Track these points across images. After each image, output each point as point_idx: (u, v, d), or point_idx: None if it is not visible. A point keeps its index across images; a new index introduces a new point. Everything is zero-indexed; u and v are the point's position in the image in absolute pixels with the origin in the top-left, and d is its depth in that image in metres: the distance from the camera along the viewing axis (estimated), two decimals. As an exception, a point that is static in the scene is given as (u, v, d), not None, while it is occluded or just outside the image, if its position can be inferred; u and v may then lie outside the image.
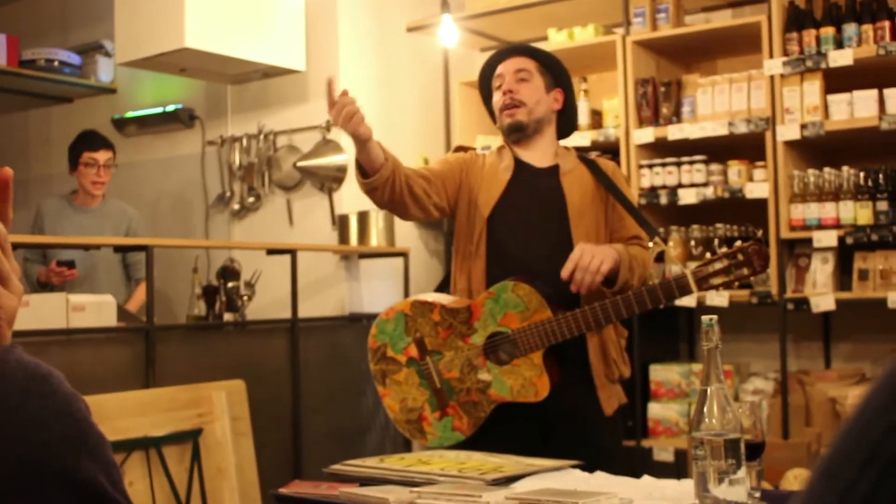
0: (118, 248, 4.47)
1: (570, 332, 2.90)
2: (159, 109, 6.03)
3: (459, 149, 3.36)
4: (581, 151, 3.37)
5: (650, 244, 3.03)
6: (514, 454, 2.59)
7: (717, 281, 2.81)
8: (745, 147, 4.58)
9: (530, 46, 3.30)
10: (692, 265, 3.03)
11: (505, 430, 2.99)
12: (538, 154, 3.18)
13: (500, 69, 3.20)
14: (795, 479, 3.82)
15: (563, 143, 3.30)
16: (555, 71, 3.22)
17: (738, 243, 2.84)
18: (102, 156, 5.10)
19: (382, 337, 3.15)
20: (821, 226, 4.27)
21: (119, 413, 3.61)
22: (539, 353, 2.93)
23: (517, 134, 3.16)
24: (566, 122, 3.29)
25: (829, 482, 0.62)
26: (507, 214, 3.11)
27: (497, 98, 3.19)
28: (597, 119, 5.15)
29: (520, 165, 3.18)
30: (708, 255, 2.90)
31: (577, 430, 3.02)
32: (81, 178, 5.12)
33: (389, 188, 3.00)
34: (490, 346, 2.99)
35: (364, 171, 3.00)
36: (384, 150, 3.01)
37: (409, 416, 3.09)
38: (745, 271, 2.78)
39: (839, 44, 4.32)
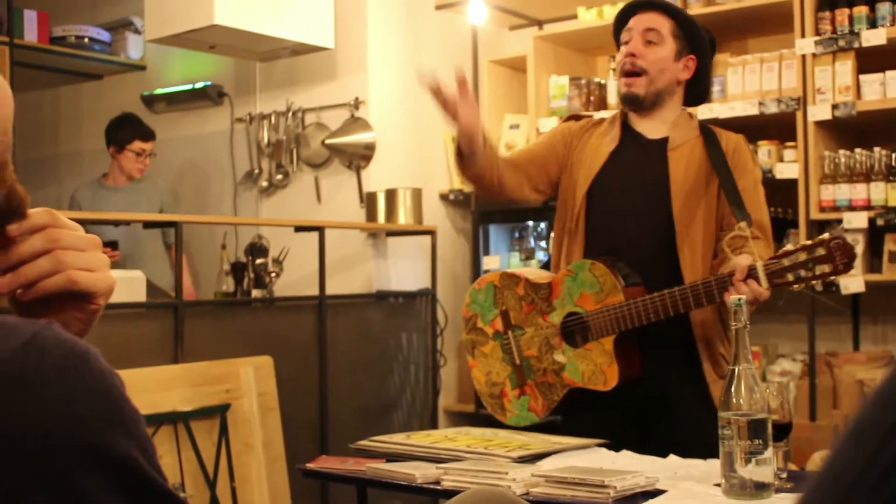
0: (147, 224, 4.50)
1: (639, 320, 2.71)
2: (188, 86, 6.05)
3: (572, 118, 3.17)
4: (707, 122, 3.06)
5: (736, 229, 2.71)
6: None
7: (791, 277, 2.51)
8: (775, 127, 4.55)
9: (669, 3, 2.97)
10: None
11: (599, 418, 2.84)
12: (654, 124, 2.96)
13: (631, 23, 2.93)
14: (822, 461, 3.81)
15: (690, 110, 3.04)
16: (690, 34, 2.93)
17: (825, 236, 2.53)
18: (151, 146, 5.31)
19: (474, 307, 3.07)
20: (851, 207, 4.24)
21: (148, 388, 3.64)
22: (610, 338, 2.76)
23: (631, 106, 2.95)
24: (697, 91, 3.02)
25: (855, 447, 0.62)
26: (606, 191, 2.92)
27: (620, 57, 2.94)
28: (626, 98, 5.12)
29: (628, 136, 2.97)
30: (789, 245, 2.55)
31: (689, 429, 2.76)
32: (125, 162, 5.26)
33: (484, 180, 2.94)
34: (567, 326, 2.87)
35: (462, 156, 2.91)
36: (487, 139, 2.90)
37: (493, 391, 3.01)
38: (826, 268, 2.47)
39: (872, 23, 4.27)
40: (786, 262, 2.51)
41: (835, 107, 4.27)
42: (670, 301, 2.66)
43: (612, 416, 2.82)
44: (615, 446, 2.51)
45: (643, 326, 2.73)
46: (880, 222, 4.16)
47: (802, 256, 2.49)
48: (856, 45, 4.24)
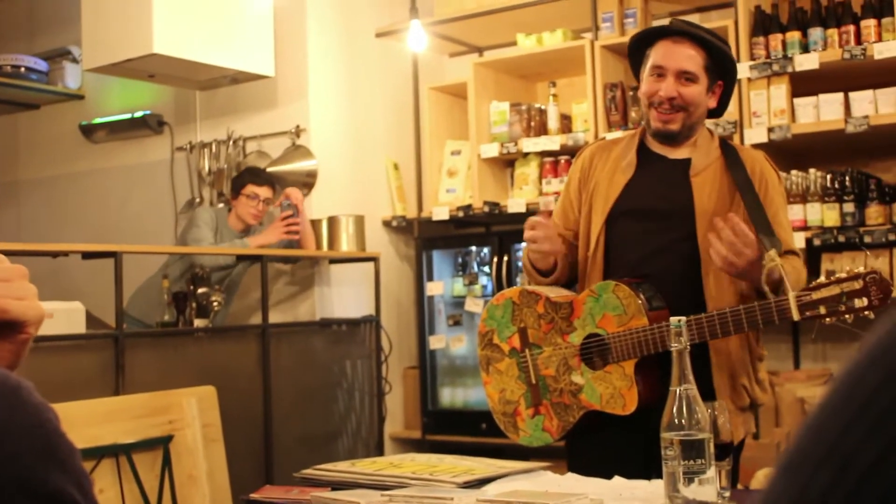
0: (86, 255, 4.44)
1: (662, 345, 2.62)
2: (128, 115, 6.00)
3: (583, 149, 3.06)
4: (726, 139, 2.98)
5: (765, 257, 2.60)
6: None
7: (824, 310, 2.43)
8: (712, 150, 4.61)
9: (704, 35, 2.84)
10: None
11: (605, 441, 2.77)
12: (677, 148, 2.88)
13: (663, 56, 2.81)
14: (765, 479, 3.85)
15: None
16: (720, 63, 2.84)
17: (858, 269, 2.45)
18: (265, 192, 5.09)
19: (491, 322, 2.98)
20: (788, 228, 4.30)
21: (89, 420, 3.58)
22: (631, 362, 2.68)
23: (665, 140, 2.86)
24: (718, 109, 2.94)
25: (788, 479, 0.62)
26: (627, 217, 2.84)
27: (650, 88, 2.82)
28: (566, 123, 5.17)
29: (646, 158, 2.88)
30: (822, 278, 2.49)
31: None
32: (239, 207, 5.09)
33: (561, 280, 2.97)
34: (587, 347, 2.78)
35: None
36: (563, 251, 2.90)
37: (506, 409, 2.93)
38: (861, 303, 2.38)
39: (805, 48, 4.36)
40: (818, 294, 2.44)
41: (770, 130, 4.34)
42: (696, 328, 2.58)
43: (620, 442, 2.75)
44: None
45: (664, 355, 2.59)
46: (817, 242, 4.23)
47: (836, 290, 2.42)
48: (789, 69, 4.32)
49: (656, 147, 2.90)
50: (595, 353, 2.77)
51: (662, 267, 2.79)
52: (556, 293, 2.91)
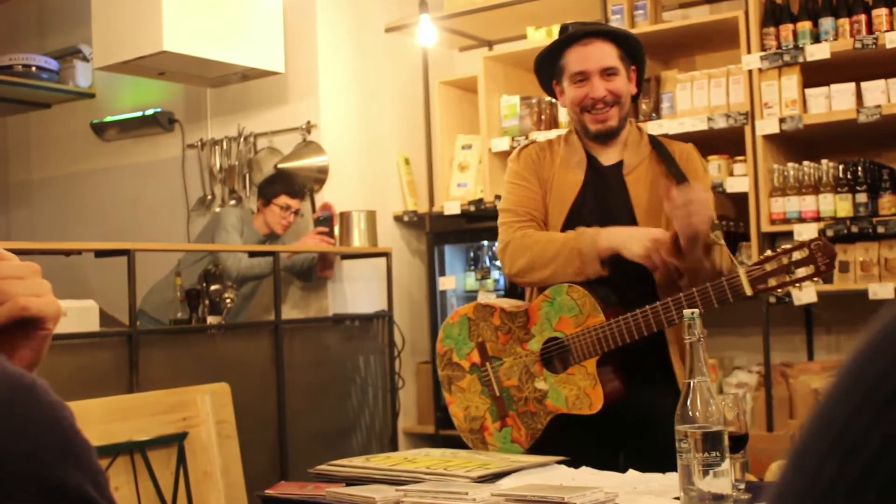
0: (99, 253, 4.45)
1: (621, 339, 2.65)
2: (138, 113, 6.01)
3: (522, 149, 3.02)
4: (657, 136, 3.02)
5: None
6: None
7: (774, 282, 2.48)
8: (724, 142, 4.60)
9: (609, 29, 2.96)
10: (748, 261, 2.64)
11: (573, 444, 2.72)
12: (609, 147, 2.91)
13: (581, 61, 2.86)
14: (778, 472, 3.84)
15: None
16: (630, 49, 2.91)
17: (801, 239, 2.50)
18: (298, 203, 5.14)
19: (448, 342, 2.98)
20: (801, 219, 4.29)
21: (103, 418, 3.59)
22: (593, 361, 2.70)
23: (605, 139, 2.89)
24: (637, 93, 3.00)
25: (797, 471, 0.62)
26: (578, 221, 2.84)
27: (577, 94, 2.86)
28: (577, 116, 5.16)
29: (590, 162, 2.91)
30: (769, 251, 2.53)
31: (663, 442, 2.49)
32: (269, 216, 5.14)
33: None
34: (547, 352, 2.80)
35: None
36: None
37: (472, 426, 2.93)
38: (809, 270, 2.43)
39: (816, 38, 4.34)
40: (768, 266, 2.48)
41: (782, 120, 4.32)
42: (653, 316, 2.61)
43: (587, 441, 2.74)
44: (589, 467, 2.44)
45: (622, 350, 2.66)
46: (830, 233, 4.22)
47: (784, 260, 2.46)
48: (800, 59, 4.30)
49: (593, 150, 2.93)
50: (555, 357, 2.79)
51: (613, 265, 2.76)
52: (510, 304, 2.92)
